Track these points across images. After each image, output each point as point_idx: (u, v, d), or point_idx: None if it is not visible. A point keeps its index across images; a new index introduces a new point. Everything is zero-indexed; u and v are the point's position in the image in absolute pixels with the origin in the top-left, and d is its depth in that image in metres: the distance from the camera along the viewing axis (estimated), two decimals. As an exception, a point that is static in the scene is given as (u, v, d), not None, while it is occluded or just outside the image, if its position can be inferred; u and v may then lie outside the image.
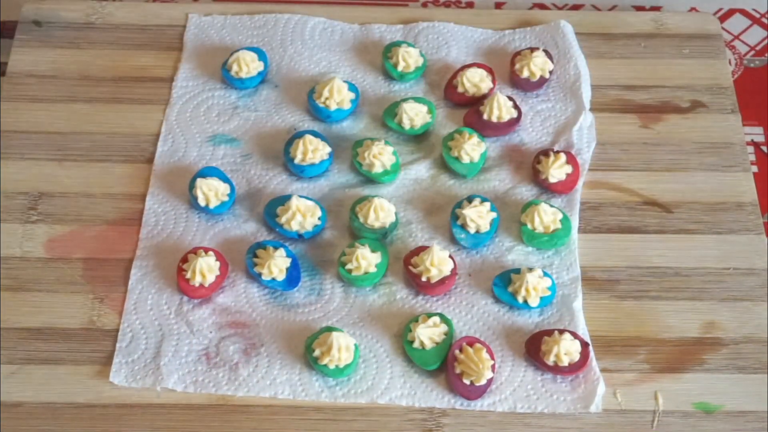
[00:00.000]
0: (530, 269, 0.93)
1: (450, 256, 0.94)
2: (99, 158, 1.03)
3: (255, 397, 0.89)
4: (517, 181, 1.02)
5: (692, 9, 1.24)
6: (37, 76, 1.09)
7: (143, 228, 0.98)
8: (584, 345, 0.90)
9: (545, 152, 1.02)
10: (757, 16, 1.24)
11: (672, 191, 1.02)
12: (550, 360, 0.89)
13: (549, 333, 0.91)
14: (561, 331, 0.90)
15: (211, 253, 0.95)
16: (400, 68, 1.08)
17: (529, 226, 0.97)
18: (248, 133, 1.05)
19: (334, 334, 0.88)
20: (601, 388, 0.89)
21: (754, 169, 1.10)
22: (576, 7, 1.25)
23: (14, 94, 1.08)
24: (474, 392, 0.88)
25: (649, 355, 0.91)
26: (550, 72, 1.08)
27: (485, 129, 1.04)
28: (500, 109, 1.03)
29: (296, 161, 1.01)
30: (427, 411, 0.89)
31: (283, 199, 0.98)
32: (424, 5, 1.25)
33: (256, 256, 0.95)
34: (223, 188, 0.99)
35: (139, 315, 0.93)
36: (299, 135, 1.02)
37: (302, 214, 0.97)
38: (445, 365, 0.90)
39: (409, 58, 1.08)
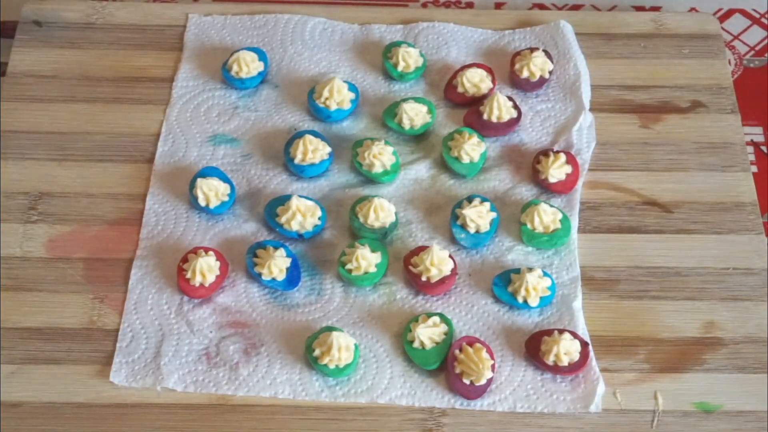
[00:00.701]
0: (530, 269, 0.93)
1: (450, 256, 0.94)
2: (99, 158, 1.03)
3: (255, 396, 0.89)
4: (517, 181, 1.02)
5: (692, 9, 1.24)
6: (37, 76, 1.09)
7: (143, 228, 0.98)
8: (584, 345, 0.90)
9: (545, 152, 1.02)
10: (757, 16, 1.24)
11: (672, 191, 1.02)
12: (550, 360, 0.89)
13: (549, 333, 0.91)
14: (561, 331, 0.90)
15: (211, 253, 0.95)
16: (400, 68, 1.08)
17: (529, 226, 0.97)
18: (248, 133, 1.05)
19: (334, 333, 0.88)
20: (601, 388, 0.89)
21: (754, 169, 1.10)
22: (576, 7, 1.25)
23: (14, 94, 1.08)
24: (474, 392, 0.88)
25: (649, 355, 0.92)
26: (550, 72, 1.08)
27: (485, 129, 1.04)
28: (500, 109, 1.03)
29: (296, 161, 1.01)
30: (427, 411, 0.89)
31: (283, 199, 0.98)
32: (424, 5, 1.25)
33: (256, 256, 0.95)
34: (224, 188, 0.99)
35: (139, 315, 0.93)
36: (299, 135, 1.02)
37: (302, 214, 0.97)
38: (445, 365, 0.90)
39: (409, 58, 1.08)
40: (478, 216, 0.96)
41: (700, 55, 1.12)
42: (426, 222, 0.99)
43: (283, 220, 0.97)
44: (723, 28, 1.17)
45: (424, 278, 0.93)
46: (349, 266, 0.94)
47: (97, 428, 0.87)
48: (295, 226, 0.97)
